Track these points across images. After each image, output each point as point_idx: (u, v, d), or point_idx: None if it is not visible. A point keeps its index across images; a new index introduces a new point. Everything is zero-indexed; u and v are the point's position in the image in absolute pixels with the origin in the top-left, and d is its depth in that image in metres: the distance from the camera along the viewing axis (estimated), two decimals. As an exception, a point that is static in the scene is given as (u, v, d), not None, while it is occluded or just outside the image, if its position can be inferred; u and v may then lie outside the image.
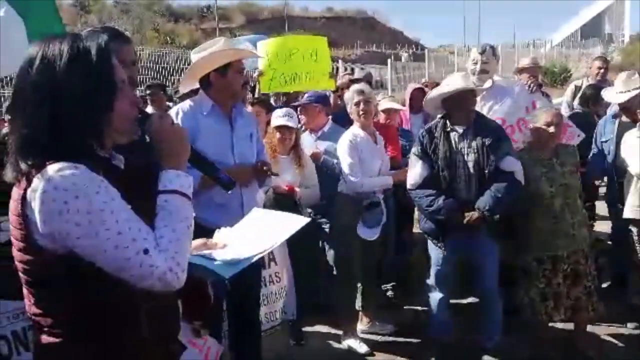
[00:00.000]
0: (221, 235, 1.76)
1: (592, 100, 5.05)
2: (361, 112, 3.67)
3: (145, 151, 1.43)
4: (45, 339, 1.33)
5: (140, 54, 9.78)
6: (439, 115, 3.53)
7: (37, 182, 1.22)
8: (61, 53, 1.27)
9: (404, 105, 5.20)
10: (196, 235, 2.64)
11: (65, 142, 1.26)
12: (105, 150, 1.37)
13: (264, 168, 2.88)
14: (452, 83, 3.47)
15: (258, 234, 1.71)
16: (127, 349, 1.34)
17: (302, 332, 3.84)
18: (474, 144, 3.32)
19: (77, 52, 1.28)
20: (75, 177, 1.22)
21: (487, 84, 3.92)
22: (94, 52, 1.29)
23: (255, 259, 1.59)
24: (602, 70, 5.85)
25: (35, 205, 1.22)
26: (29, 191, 1.23)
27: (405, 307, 4.30)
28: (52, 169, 1.22)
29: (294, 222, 1.72)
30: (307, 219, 1.73)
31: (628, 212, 3.86)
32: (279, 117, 3.68)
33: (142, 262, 1.23)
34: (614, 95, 4.40)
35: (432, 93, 3.64)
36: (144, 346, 1.36)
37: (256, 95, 4.88)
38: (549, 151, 3.42)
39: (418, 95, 5.22)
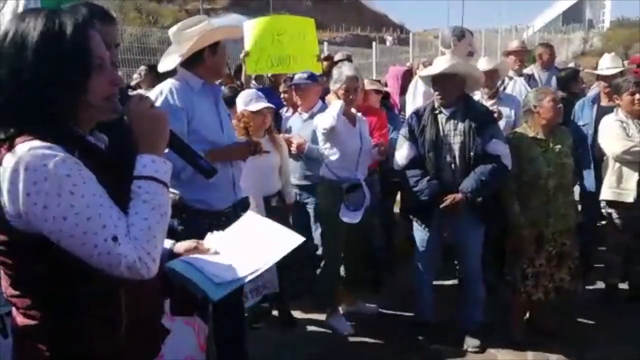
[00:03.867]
0: (213, 239, 1.72)
1: (571, 81, 5.29)
2: (348, 98, 3.63)
3: (127, 133, 1.38)
4: (22, 320, 1.30)
5: (122, 34, 9.55)
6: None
7: (7, 161, 1.18)
8: (35, 27, 1.22)
9: (386, 86, 5.22)
10: (190, 217, 2.66)
11: (38, 119, 1.21)
12: (85, 129, 1.32)
13: (256, 146, 2.91)
14: (437, 65, 3.50)
15: (250, 247, 1.66)
16: (104, 332, 1.31)
17: (292, 318, 3.87)
18: (460, 126, 3.35)
19: (51, 28, 1.23)
20: (46, 158, 1.17)
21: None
22: (69, 29, 1.23)
23: (246, 280, 1.56)
24: (547, 56, 5.84)
25: (4, 184, 1.18)
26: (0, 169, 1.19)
27: (388, 288, 4.35)
28: (23, 147, 1.18)
29: (289, 240, 1.67)
30: (302, 238, 1.68)
31: (605, 194, 3.95)
32: (253, 102, 3.55)
33: (111, 250, 1.19)
34: (605, 70, 4.61)
35: (423, 73, 3.73)
36: (122, 330, 1.33)
37: (242, 77, 4.81)
38: (546, 131, 3.46)
39: (407, 77, 5.24)
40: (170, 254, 1.63)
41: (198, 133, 2.59)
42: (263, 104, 3.55)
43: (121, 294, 1.31)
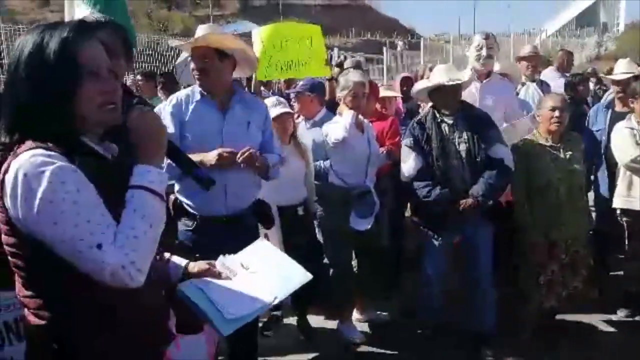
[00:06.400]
0: (225, 263, 1.75)
1: (574, 88, 5.21)
2: (356, 103, 3.61)
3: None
4: (33, 321, 1.34)
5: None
6: (428, 105, 3.57)
7: (12, 167, 1.25)
8: (27, 42, 1.31)
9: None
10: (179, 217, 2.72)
11: (35, 128, 1.29)
12: (93, 137, 1.37)
13: (247, 156, 2.70)
14: (435, 77, 3.51)
15: (261, 279, 1.69)
16: (111, 334, 1.34)
17: (309, 327, 3.85)
18: (464, 133, 3.38)
19: (38, 42, 1.31)
20: (44, 165, 1.23)
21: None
22: (53, 43, 1.30)
23: (254, 316, 1.61)
24: (564, 62, 6.01)
25: (8, 189, 1.25)
26: (6, 176, 1.26)
27: (401, 295, 4.31)
28: (25, 155, 1.25)
29: (298, 277, 1.72)
30: (310, 276, 1.73)
31: (616, 202, 3.90)
32: (272, 108, 3.58)
33: (94, 257, 1.23)
34: (618, 75, 4.57)
35: (418, 86, 3.72)
36: (128, 332, 1.36)
37: (252, 83, 4.83)
38: (555, 138, 3.42)
39: (407, 84, 5.21)
40: (183, 274, 1.67)
41: (189, 141, 2.72)
42: (280, 110, 3.54)
43: (124, 299, 1.32)
